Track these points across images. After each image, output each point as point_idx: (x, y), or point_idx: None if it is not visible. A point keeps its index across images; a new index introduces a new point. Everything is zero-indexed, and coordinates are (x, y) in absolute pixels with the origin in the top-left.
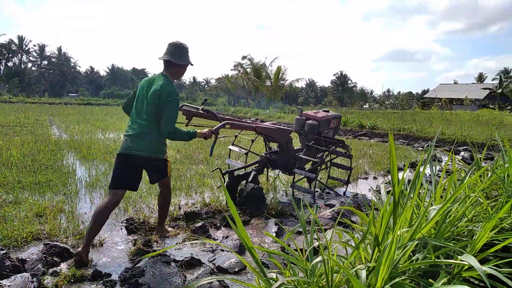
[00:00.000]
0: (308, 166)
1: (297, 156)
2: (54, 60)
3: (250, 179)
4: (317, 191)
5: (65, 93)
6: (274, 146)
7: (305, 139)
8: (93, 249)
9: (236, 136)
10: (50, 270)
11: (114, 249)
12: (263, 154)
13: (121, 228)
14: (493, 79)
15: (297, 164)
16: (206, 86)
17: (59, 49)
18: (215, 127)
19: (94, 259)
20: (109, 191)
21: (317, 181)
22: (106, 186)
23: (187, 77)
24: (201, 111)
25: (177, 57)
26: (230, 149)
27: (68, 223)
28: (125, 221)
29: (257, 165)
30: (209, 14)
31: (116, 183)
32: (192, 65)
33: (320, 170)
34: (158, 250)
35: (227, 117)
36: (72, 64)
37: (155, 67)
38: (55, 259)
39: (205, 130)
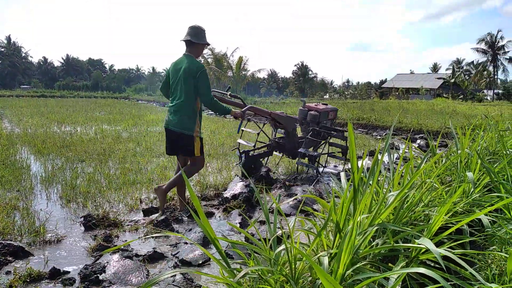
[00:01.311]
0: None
1: (300, 142)
2: (3, 50)
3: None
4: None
5: (17, 85)
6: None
7: (307, 128)
8: (51, 246)
9: (242, 131)
10: (4, 270)
11: (73, 246)
12: (273, 138)
13: (80, 224)
14: (447, 69)
15: (303, 145)
16: None
17: (8, 38)
18: (243, 109)
19: (51, 256)
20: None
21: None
22: (63, 181)
23: (146, 67)
24: (229, 97)
25: (196, 37)
26: (239, 143)
27: (22, 221)
28: (83, 218)
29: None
30: (170, 2)
31: (168, 148)
32: (209, 44)
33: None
34: (119, 245)
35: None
36: (24, 55)
37: (112, 58)
38: (9, 258)
39: (237, 111)
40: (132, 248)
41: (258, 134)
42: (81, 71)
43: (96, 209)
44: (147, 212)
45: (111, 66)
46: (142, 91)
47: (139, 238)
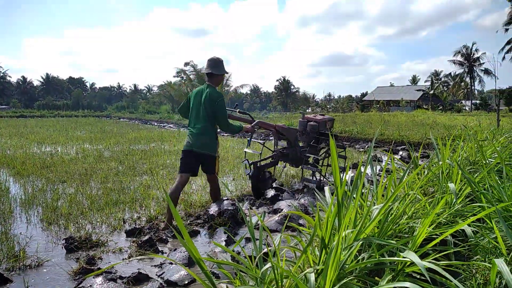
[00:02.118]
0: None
1: (303, 151)
2: None
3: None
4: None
5: None
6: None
7: (307, 137)
8: (31, 271)
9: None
10: None
11: (54, 270)
12: (278, 149)
13: (62, 247)
14: (426, 81)
15: (303, 157)
16: (148, 93)
17: None
18: (252, 124)
19: (32, 282)
20: (178, 174)
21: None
22: (44, 203)
23: (127, 85)
24: (238, 114)
25: (216, 69)
26: (245, 151)
27: (1, 245)
28: (65, 240)
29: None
30: (153, 18)
31: (182, 168)
32: (227, 73)
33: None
34: (103, 267)
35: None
36: (1, 74)
37: (93, 76)
38: None
39: (248, 126)
40: (116, 270)
41: (263, 144)
42: (62, 90)
43: (78, 231)
44: (130, 233)
45: (92, 84)
46: (124, 109)
47: (123, 260)
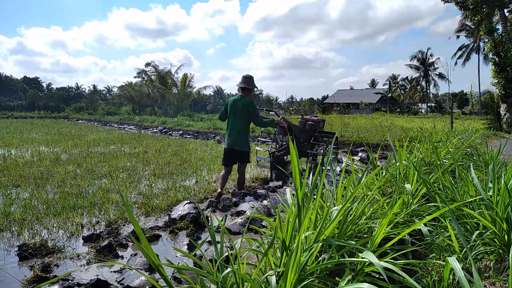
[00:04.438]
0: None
1: (304, 145)
2: None
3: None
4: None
5: None
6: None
7: (306, 134)
8: None
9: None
10: None
11: (6, 279)
12: (285, 142)
13: (15, 255)
14: (384, 84)
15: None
16: (108, 94)
17: None
18: (280, 118)
19: None
20: (224, 167)
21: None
22: None
23: (86, 85)
24: (265, 111)
25: (248, 84)
26: (256, 149)
27: None
28: (18, 247)
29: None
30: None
31: (225, 163)
32: (256, 88)
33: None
34: (59, 275)
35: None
36: None
37: (49, 76)
38: None
39: (277, 119)
40: (73, 277)
41: (273, 141)
42: (16, 90)
43: (33, 237)
44: (88, 238)
45: (49, 84)
46: (83, 110)
47: (81, 266)
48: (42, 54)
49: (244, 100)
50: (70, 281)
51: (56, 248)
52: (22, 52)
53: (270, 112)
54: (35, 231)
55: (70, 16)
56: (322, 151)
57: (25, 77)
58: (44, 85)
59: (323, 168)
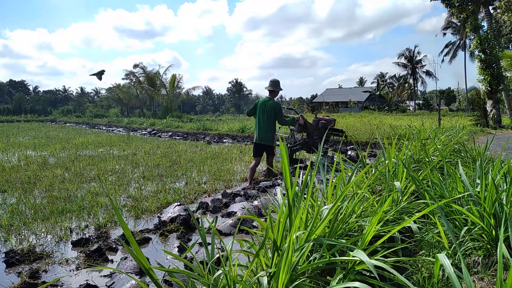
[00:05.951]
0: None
1: (316, 141)
2: None
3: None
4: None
5: None
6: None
7: (319, 132)
8: None
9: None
10: None
11: None
12: (304, 138)
13: (2, 261)
14: (372, 82)
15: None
16: (96, 97)
17: None
18: (299, 115)
19: None
20: (254, 158)
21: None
22: None
23: (74, 88)
24: (286, 109)
25: (275, 87)
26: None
27: None
28: (5, 254)
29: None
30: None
31: (255, 154)
32: (282, 89)
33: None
34: (48, 281)
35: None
36: None
37: (36, 79)
38: None
39: (297, 116)
40: (62, 283)
41: (289, 136)
42: (1, 93)
43: (20, 243)
44: (77, 243)
45: (36, 87)
46: (70, 113)
47: (70, 271)
48: (28, 57)
49: (272, 102)
50: (59, 287)
51: (45, 253)
52: (7, 55)
53: (291, 111)
54: (22, 236)
55: (56, 18)
56: (330, 148)
57: (11, 80)
58: (31, 88)
59: (313, 167)
